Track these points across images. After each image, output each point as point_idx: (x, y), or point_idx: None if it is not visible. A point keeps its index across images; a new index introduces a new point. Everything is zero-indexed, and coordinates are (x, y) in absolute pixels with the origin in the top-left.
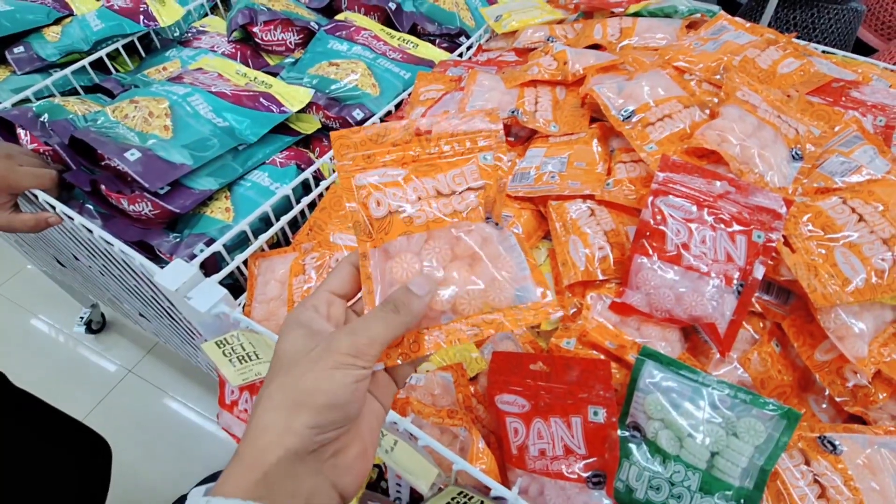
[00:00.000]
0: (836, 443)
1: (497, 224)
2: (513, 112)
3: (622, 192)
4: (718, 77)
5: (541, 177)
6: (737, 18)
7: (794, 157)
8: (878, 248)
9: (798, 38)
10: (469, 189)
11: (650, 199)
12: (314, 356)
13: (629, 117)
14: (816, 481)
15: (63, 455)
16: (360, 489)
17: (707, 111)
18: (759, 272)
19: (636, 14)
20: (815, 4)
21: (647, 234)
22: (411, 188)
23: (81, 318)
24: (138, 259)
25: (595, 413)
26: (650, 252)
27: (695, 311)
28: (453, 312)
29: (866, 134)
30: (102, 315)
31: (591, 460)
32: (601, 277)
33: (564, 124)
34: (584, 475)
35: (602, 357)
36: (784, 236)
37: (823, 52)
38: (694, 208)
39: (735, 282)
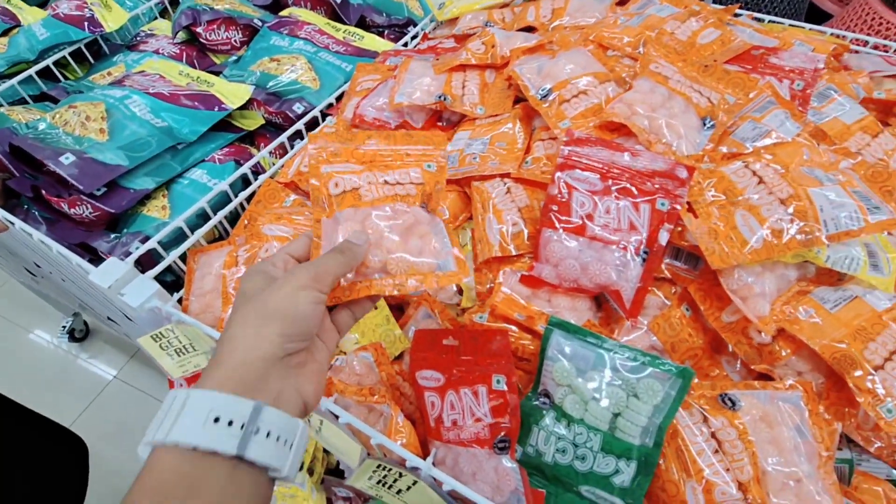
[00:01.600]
0: (736, 399)
1: (429, 212)
2: (440, 97)
3: (539, 169)
4: (641, 51)
5: (464, 159)
6: None
7: (705, 125)
8: (776, 208)
9: (747, 7)
10: (411, 183)
11: (556, 173)
12: (279, 284)
13: (546, 96)
14: (714, 437)
15: (64, 453)
16: (318, 402)
17: (627, 86)
18: (663, 239)
19: None
20: None
21: (554, 207)
22: (365, 176)
23: (64, 326)
24: (75, 260)
25: (497, 381)
26: (556, 225)
27: (600, 280)
28: (383, 272)
29: (779, 99)
30: (85, 323)
31: (496, 426)
32: (514, 253)
33: (491, 107)
34: (491, 441)
35: (512, 328)
36: (689, 203)
37: (770, 21)
38: (598, 180)
39: (639, 249)
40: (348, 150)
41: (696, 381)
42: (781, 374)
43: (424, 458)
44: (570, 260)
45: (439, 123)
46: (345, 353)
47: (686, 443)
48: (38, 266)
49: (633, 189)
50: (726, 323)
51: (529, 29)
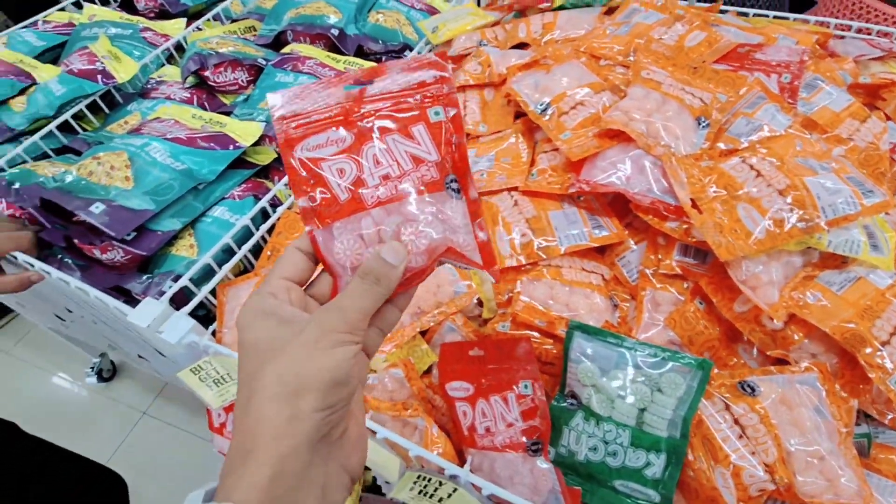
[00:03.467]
0: (755, 386)
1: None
2: None
3: (544, 181)
4: (632, 59)
5: None
6: None
7: (700, 125)
8: (776, 199)
9: (730, 3)
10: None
11: (287, 158)
12: (308, 338)
13: (545, 109)
14: (737, 423)
15: (104, 491)
16: (363, 467)
17: (622, 94)
18: (462, 154)
19: (560, 8)
20: None
21: (310, 197)
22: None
23: (91, 368)
24: (112, 303)
25: (525, 386)
26: (325, 222)
27: (424, 247)
28: (420, 313)
29: (769, 93)
30: (112, 363)
31: (528, 430)
32: (524, 262)
33: (492, 124)
34: (525, 444)
35: (534, 334)
36: (692, 199)
37: (755, 15)
38: (344, 132)
39: (443, 181)
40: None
41: (715, 371)
42: (796, 357)
43: (461, 467)
44: (371, 248)
45: None
46: (374, 372)
47: (711, 431)
48: (70, 311)
49: (394, 115)
50: (739, 313)
51: (522, 45)
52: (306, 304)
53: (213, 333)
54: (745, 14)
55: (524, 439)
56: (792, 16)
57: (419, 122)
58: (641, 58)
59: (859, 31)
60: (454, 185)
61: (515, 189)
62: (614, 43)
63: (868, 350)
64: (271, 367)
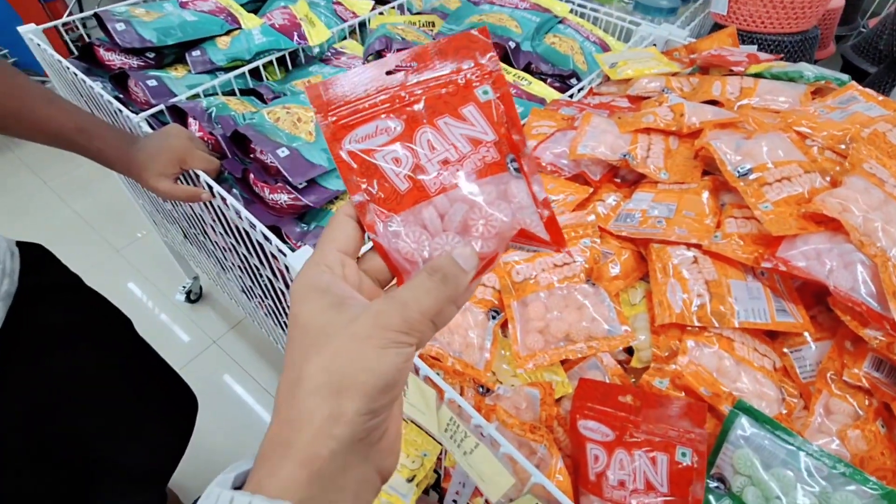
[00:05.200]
0: None
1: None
2: (624, 156)
3: (730, 247)
4: (843, 147)
5: (647, 220)
6: (867, 90)
7: None
8: None
9: None
10: (575, 262)
11: (336, 150)
12: (359, 332)
13: (746, 174)
14: None
15: (184, 404)
16: (394, 469)
17: (828, 179)
18: (520, 130)
19: (758, 75)
20: None
21: (366, 190)
22: (538, 263)
23: (184, 287)
24: (275, 242)
25: (683, 454)
26: (386, 215)
27: (497, 231)
28: (567, 340)
29: None
30: (201, 287)
31: (671, 499)
32: (696, 324)
33: (675, 173)
34: None
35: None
36: None
37: None
38: (391, 119)
39: (503, 162)
40: None
41: None
42: None
43: None
44: (439, 239)
45: (616, 179)
46: (501, 383)
47: None
48: (206, 234)
49: (442, 98)
50: None
51: (712, 102)
52: (360, 282)
53: None
54: None
55: None
56: None
57: (469, 103)
58: (862, 148)
59: None
60: (515, 165)
61: (697, 247)
62: (826, 127)
63: None
64: (318, 356)
